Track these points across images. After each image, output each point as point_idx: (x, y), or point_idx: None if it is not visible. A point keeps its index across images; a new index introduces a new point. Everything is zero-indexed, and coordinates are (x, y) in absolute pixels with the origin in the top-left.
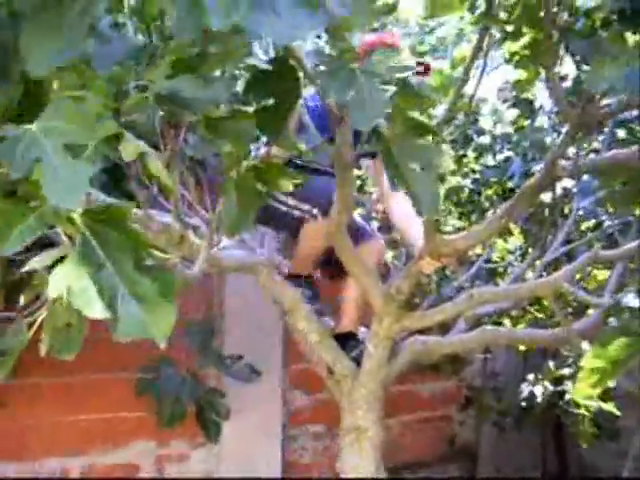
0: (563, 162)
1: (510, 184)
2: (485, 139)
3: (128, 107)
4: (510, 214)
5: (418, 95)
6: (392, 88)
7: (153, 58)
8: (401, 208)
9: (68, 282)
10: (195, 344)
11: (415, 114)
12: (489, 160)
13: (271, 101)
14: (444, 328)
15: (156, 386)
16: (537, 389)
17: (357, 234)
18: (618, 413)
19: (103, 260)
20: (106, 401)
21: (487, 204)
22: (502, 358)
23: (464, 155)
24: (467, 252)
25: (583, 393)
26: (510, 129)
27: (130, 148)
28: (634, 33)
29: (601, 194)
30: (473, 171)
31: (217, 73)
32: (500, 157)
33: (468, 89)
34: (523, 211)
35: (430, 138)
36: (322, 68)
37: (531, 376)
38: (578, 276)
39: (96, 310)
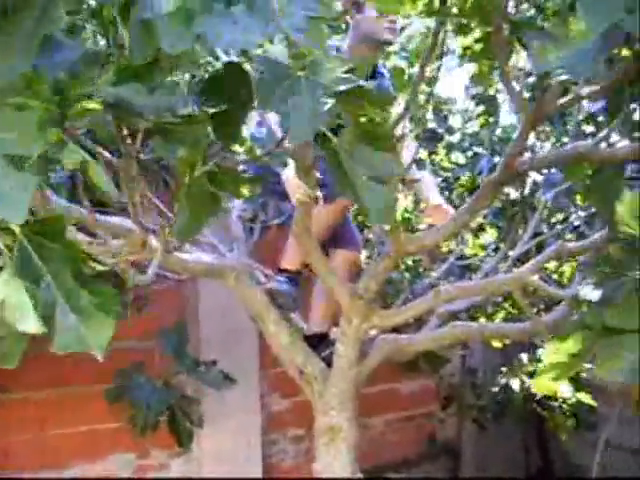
0: (523, 156)
1: (480, 180)
2: (455, 137)
3: (74, 115)
4: (474, 210)
5: (369, 101)
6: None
7: (106, 64)
8: None
9: (4, 295)
10: (169, 350)
11: (367, 119)
12: (459, 157)
13: (225, 106)
14: (419, 325)
15: (128, 394)
16: (514, 383)
17: (341, 238)
18: (594, 404)
19: (41, 272)
20: (83, 414)
21: (458, 201)
22: (480, 354)
23: (433, 152)
24: (436, 248)
25: (543, 388)
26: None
27: (72, 156)
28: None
29: (566, 186)
30: (444, 169)
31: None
32: (469, 154)
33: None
34: (486, 206)
35: (382, 145)
36: (264, 76)
37: (507, 370)
38: (552, 268)
39: (30, 325)
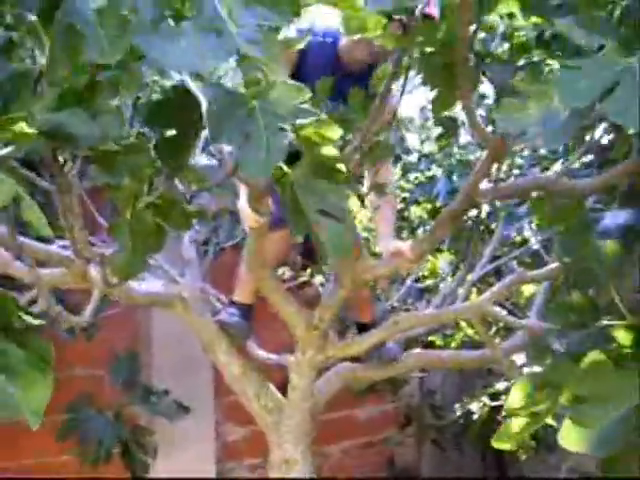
0: (483, 186)
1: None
2: (413, 157)
3: (4, 141)
4: (432, 239)
5: (324, 133)
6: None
7: (39, 86)
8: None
9: None
10: (120, 379)
11: (324, 152)
12: (418, 177)
13: (173, 132)
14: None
15: (78, 428)
16: (473, 405)
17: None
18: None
19: None
20: (29, 447)
21: (417, 222)
22: (438, 375)
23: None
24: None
25: (501, 444)
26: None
27: (2, 190)
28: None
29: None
30: (402, 189)
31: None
32: (427, 175)
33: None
34: (445, 236)
35: (338, 179)
36: (216, 104)
37: (469, 393)
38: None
39: None
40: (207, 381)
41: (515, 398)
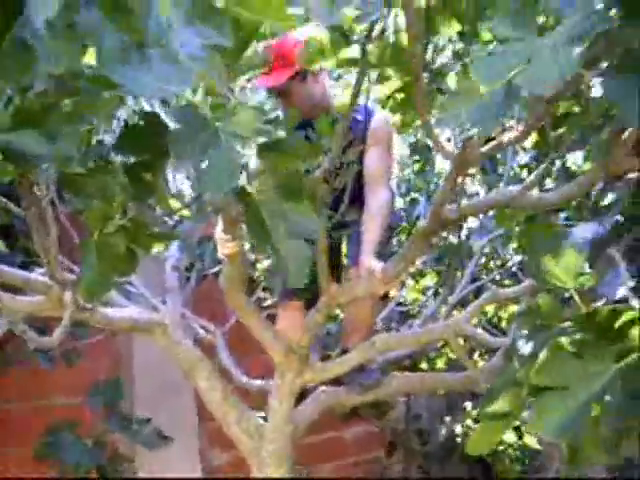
0: (448, 206)
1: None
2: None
3: None
4: (406, 260)
5: (289, 154)
6: (253, 150)
7: None
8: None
9: None
10: (100, 407)
11: (288, 173)
12: (398, 202)
13: (143, 157)
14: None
15: (57, 452)
16: (458, 428)
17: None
18: (540, 448)
19: None
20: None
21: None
22: (423, 399)
23: None
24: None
25: (475, 450)
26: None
27: None
28: None
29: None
30: None
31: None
32: (407, 199)
33: None
34: (419, 255)
35: (303, 200)
36: (180, 127)
37: (451, 416)
38: (491, 312)
39: None
40: (190, 406)
41: (487, 403)
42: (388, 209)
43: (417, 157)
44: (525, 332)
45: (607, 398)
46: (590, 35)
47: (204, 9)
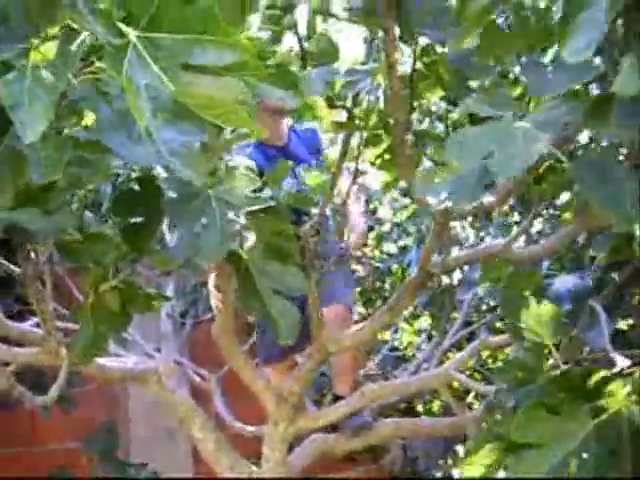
0: (434, 259)
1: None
2: (385, 227)
3: None
4: (394, 310)
5: (277, 218)
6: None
7: None
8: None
9: None
10: (97, 453)
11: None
12: (391, 248)
13: (138, 219)
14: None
15: None
16: (454, 471)
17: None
18: None
19: None
20: None
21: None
22: (420, 442)
23: (364, 244)
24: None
25: None
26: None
27: None
28: None
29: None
30: (375, 259)
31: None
32: (400, 244)
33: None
34: (407, 306)
35: (291, 261)
36: (174, 193)
37: (448, 460)
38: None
39: None
40: (186, 451)
41: (468, 455)
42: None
43: (407, 201)
44: (505, 385)
45: (584, 455)
46: (561, 122)
47: (182, 111)
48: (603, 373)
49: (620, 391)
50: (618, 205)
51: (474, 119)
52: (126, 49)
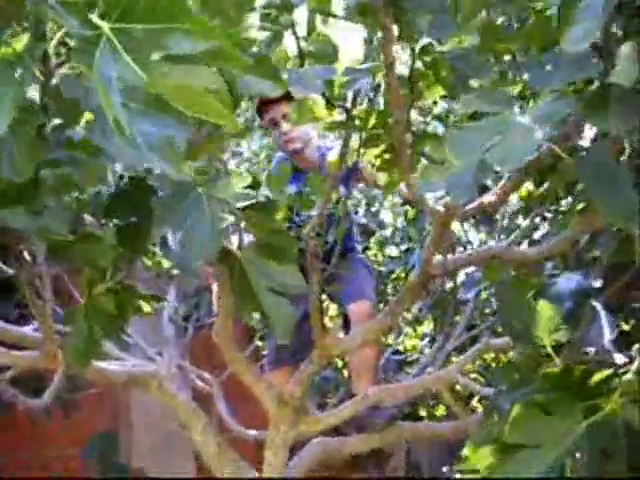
0: (435, 260)
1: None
2: (387, 231)
3: None
4: (395, 312)
5: (268, 214)
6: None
7: None
8: None
9: None
10: (97, 459)
11: (272, 233)
12: (393, 251)
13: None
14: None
15: None
16: (457, 475)
17: (345, 294)
18: None
19: None
20: None
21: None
22: (425, 446)
23: (367, 248)
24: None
25: None
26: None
27: None
28: None
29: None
30: (377, 263)
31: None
32: (402, 248)
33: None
34: (409, 308)
35: (286, 258)
36: (164, 193)
37: (452, 464)
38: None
39: None
40: (189, 457)
41: (465, 457)
42: None
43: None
44: (504, 387)
45: (577, 455)
46: (560, 116)
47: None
48: (598, 373)
49: (615, 391)
50: (619, 203)
51: (474, 119)
52: (98, 41)
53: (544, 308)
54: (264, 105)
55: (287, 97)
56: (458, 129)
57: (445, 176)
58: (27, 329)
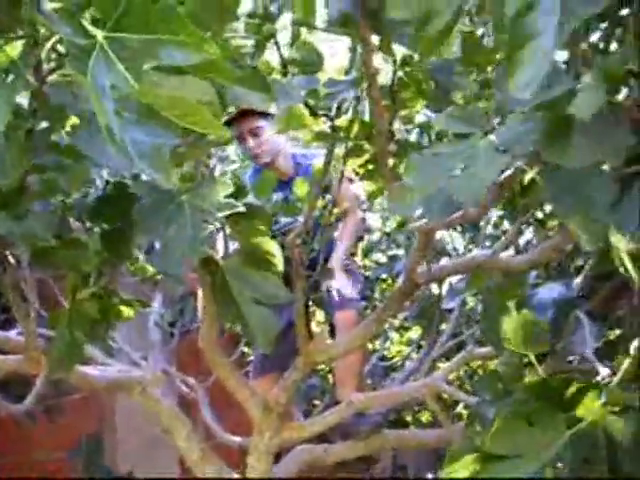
0: (420, 269)
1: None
2: (375, 236)
3: None
4: (381, 319)
5: (253, 222)
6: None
7: None
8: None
9: None
10: (82, 462)
11: (256, 242)
12: (380, 257)
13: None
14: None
15: None
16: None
17: (330, 302)
18: None
19: None
20: None
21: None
22: (412, 451)
23: (352, 254)
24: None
25: None
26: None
27: None
28: None
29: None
30: (365, 268)
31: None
32: (389, 254)
33: None
34: (394, 315)
35: (268, 267)
36: (147, 200)
37: (439, 467)
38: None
39: None
40: (174, 460)
41: (447, 466)
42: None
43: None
44: (488, 397)
45: (559, 465)
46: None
47: (148, 112)
48: (580, 383)
49: (596, 401)
50: (588, 220)
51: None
52: (92, 49)
53: (526, 317)
54: (233, 119)
55: (252, 112)
56: (416, 154)
57: (417, 197)
58: (11, 333)
